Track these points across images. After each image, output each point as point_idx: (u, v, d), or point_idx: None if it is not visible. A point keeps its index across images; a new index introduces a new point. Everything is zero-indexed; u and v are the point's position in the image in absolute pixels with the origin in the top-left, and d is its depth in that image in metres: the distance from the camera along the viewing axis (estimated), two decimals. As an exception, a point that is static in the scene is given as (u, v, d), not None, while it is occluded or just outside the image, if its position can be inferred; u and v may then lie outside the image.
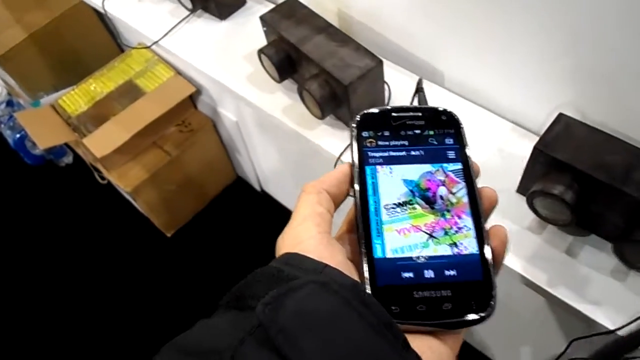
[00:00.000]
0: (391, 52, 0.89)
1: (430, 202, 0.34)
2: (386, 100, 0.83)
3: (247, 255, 1.71)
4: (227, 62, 0.95)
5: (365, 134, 0.36)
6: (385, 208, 0.33)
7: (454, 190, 0.34)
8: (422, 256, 0.32)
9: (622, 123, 0.68)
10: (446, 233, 0.33)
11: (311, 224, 0.32)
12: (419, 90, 0.44)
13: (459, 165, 0.35)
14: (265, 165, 1.69)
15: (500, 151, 0.77)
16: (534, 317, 0.93)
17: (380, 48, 0.87)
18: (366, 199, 0.34)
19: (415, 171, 0.35)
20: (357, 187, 0.34)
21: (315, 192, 0.34)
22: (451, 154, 0.36)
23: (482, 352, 1.34)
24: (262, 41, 0.96)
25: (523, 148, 0.78)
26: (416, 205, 0.34)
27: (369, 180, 0.34)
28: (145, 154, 1.68)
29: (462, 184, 0.35)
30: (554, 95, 0.73)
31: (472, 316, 0.30)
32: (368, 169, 0.35)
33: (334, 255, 0.31)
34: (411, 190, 0.34)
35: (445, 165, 0.35)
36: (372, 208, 0.33)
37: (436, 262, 0.32)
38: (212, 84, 1.02)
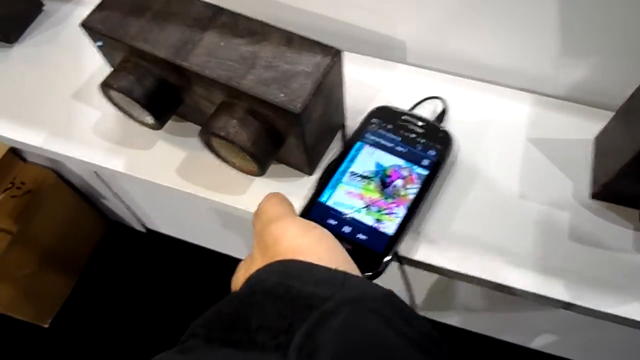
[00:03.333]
0: (320, 30, 0.54)
1: (384, 185, 0.41)
2: (345, 113, 0.48)
3: (155, 311, 1.30)
4: (47, 112, 0.53)
5: (373, 120, 0.45)
6: (350, 173, 0.42)
7: (408, 187, 0.41)
8: (350, 216, 0.40)
9: None
10: (379, 211, 0.40)
11: (293, 217, 0.32)
12: (444, 111, 0.48)
13: (425, 172, 0.42)
14: (146, 204, 1.25)
15: (528, 137, 0.48)
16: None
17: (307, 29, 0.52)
18: (342, 161, 0.43)
19: (389, 160, 0.43)
20: (343, 150, 0.44)
21: (278, 198, 0.34)
22: (425, 162, 0.43)
23: None
24: (95, 62, 0.54)
25: (561, 123, 0.49)
26: (372, 183, 0.42)
27: (353, 151, 0.43)
28: (-28, 244, 1.15)
29: (417, 187, 0.41)
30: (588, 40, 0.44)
31: None
32: (358, 143, 0.44)
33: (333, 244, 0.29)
34: (377, 171, 0.42)
35: (415, 167, 0.42)
36: (341, 169, 0.43)
37: (357, 225, 0.40)
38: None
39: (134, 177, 0.49)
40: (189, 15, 0.42)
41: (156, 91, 0.43)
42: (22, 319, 1.28)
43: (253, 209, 0.45)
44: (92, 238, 1.42)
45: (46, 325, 1.32)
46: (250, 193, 0.46)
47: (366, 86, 0.51)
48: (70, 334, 1.32)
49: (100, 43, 0.44)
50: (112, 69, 0.45)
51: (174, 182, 0.47)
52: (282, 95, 0.37)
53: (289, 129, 0.40)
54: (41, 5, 0.58)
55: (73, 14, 0.59)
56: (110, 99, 0.46)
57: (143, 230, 1.41)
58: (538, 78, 0.50)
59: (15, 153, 1.19)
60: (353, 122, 0.49)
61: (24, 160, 1.21)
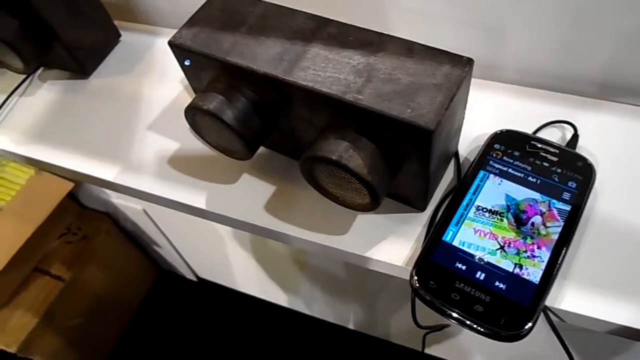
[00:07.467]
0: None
1: (520, 222, 0.34)
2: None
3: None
4: (122, 145, 0.47)
5: (496, 145, 0.38)
6: (476, 208, 0.35)
7: (548, 224, 0.34)
8: (484, 259, 0.33)
9: None
10: (518, 253, 0.33)
11: None
12: (576, 137, 0.40)
13: (567, 207, 0.35)
14: (198, 252, 1.19)
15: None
16: None
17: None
18: (464, 194, 0.36)
19: (522, 193, 0.35)
20: (462, 180, 0.36)
21: None
22: (566, 195, 0.35)
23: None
24: (172, 92, 0.49)
25: None
26: (505, 219, 0.34)
27: (476, 182, 0.36)
28: (25, 290, 1.10)
29: (560, 224, 0.34)
30: None
31: (493, 329, 0.30)
32: (481, 173, 0.37)
33: None
34: (508, 205, 0.35)
35: (554, 201, 0.35)
36: (464, 202, 0.35)
37: (493, 270, 0.33)
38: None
39: (211, 213, 0.42)
40: (289, 27, 0.36)
41: (250, 114, 0.37)
42: (68, 372, 1.21)
43: (357, 251, 0.38)
44: (142, 287, 1.36)
45: (93, 378, 1.24)
46: (353, 232, 0.38)
47: (469, 110, 0.44)
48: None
49: (188, 62, 0.38)
50: (195, 91, 0.39)
51: (263, 220, 0.40)
52: (409, 110, 0.30)
53: (412, 151, 0.32)
54: (119, 35, 0.54)
55: (151, 43, 0.54)
56: (194, 125, 0.40)
57: (194, 279, 1.34)
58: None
59: (72, 197, 1.16)
60: (463, 149, 0.42)
61: (81, 205, 1.18)
